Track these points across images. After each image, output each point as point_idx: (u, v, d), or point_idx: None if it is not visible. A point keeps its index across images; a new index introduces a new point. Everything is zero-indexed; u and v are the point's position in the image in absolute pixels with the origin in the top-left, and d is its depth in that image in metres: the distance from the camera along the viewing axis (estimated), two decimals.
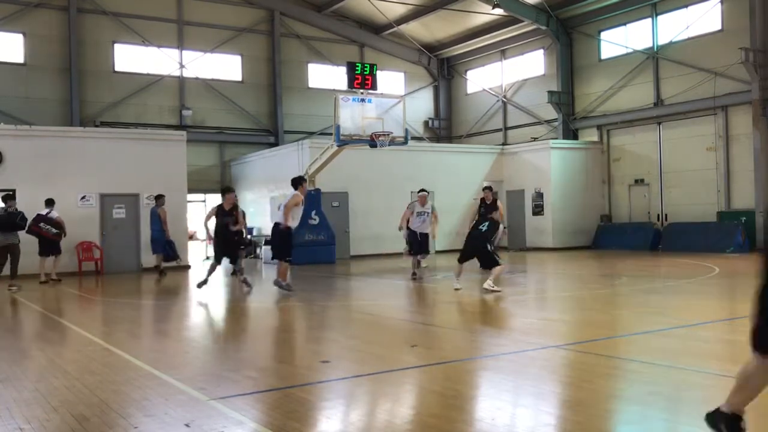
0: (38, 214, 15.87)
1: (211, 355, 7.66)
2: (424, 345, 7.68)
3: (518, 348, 7.54)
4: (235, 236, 13.18)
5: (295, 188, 12.22)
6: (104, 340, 8.23)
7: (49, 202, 16.21)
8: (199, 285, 12.91)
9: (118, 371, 6.48)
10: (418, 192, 14.99)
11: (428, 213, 14.58)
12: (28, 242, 15.61)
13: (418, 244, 14.68)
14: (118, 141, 19.73)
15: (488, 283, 11.56)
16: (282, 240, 12.18)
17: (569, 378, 6.01)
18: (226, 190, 13.42)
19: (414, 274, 14.58)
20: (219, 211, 12.94)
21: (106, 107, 24.79)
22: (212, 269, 13.00)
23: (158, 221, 17.26)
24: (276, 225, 12.42)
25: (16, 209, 14.79)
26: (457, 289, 11.92)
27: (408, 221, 14.73)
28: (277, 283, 12.30)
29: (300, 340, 8.74)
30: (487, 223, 12.08)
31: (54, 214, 16.13)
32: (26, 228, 15.27)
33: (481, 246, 11.88)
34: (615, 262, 18.55)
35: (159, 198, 17.58)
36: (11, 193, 15.77)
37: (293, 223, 12.16)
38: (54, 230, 15.95)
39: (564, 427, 4.62)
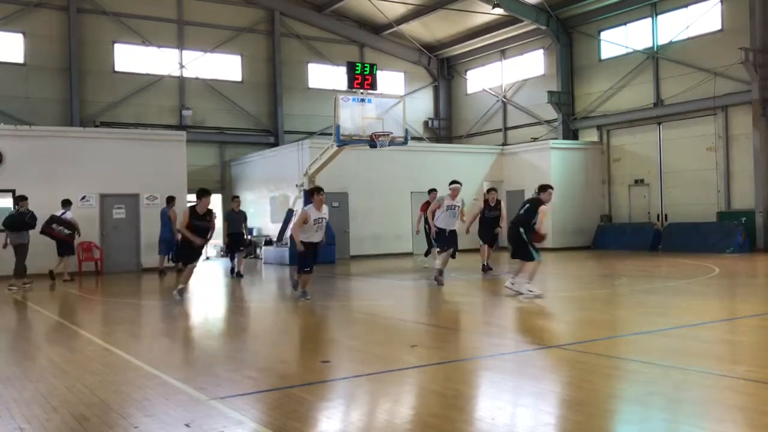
0: (52, 215, 15.96)
1: (211, 355, 7.66)
2: (425, 345, 7.68)
3: (518, 348, 7.55)
4: (204, 242, 12.41)
5: (310, 199, 11.38)
6: (104, 340, 8.23)
7: (65, 203, 16.31)
8: (181, 291, 12.20)
9: (118, 371, 6.49)
10: (450, 184, 13.31)
11: (458, 207, 13.19)
12: (45, 242, 15.66)
13: (448, 240, 13.22)
14: (118, 141, 19.75)
15: (525, 288, 10.81)
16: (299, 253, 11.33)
17: (569, 378, 6.00)
18: (203, 193, 12.09)
19: (439, 273, 13.12)
20: (191, 215, 11.85)
21: (106, 107, 24.78)
22: (188, 273, 12.27)
23: (169, 222, 17.30)
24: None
25: (27, 209, 14.82)
26: (537, 296, 10.70)
27: (429, 219, 13.44)
28: (302, 294, 11.55)
29: (300, 340, 8.74)
30: (527, 206, 10.90)
31: (68, 214, 16.18)
32: (40, 229, 15.35)
33: (516, 232, 10.80)
34: (615, 262, 18.54)
35: (170, 200, 17.65)
36: (16, 193, 15.79)
37: (308, 237, 11.22)
38: (66, 231, 16.00)
39: (564, 427, 4.63)
